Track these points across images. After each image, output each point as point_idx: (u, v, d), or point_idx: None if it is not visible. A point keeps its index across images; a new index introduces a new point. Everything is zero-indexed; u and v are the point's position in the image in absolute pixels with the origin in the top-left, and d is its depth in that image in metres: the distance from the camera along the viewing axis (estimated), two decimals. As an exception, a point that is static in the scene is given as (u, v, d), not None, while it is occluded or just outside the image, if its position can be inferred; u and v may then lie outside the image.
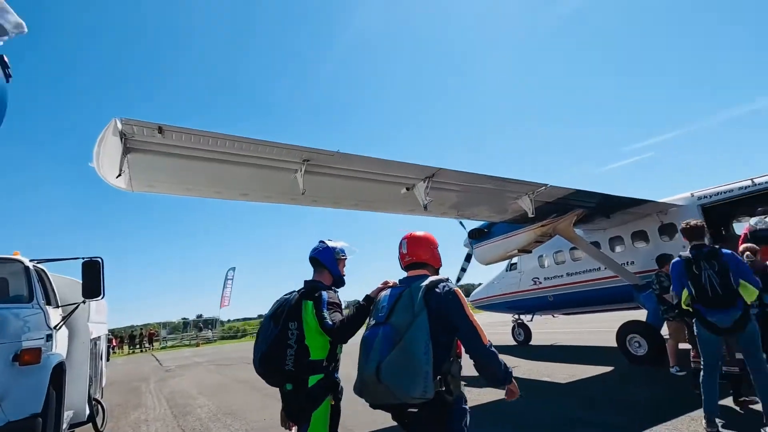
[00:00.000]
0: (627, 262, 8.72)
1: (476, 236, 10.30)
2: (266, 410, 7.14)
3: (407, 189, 5.82)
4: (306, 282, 2.87)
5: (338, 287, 2.92)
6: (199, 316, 52.94)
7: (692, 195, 8.22)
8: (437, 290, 2.13)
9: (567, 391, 6.39)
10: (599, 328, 13.32)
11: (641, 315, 8.13)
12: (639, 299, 8.21)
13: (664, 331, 7.30)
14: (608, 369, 7.61)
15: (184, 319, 61.71)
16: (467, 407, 2.15)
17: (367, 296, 2.56)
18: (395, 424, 2.19)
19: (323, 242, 2.97)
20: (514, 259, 11.05)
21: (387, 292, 2.32)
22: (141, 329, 46.10)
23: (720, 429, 4.08)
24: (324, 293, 2.67)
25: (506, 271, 11.75)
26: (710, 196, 7.93)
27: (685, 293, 4.18)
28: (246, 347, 27.11)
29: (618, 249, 9.21)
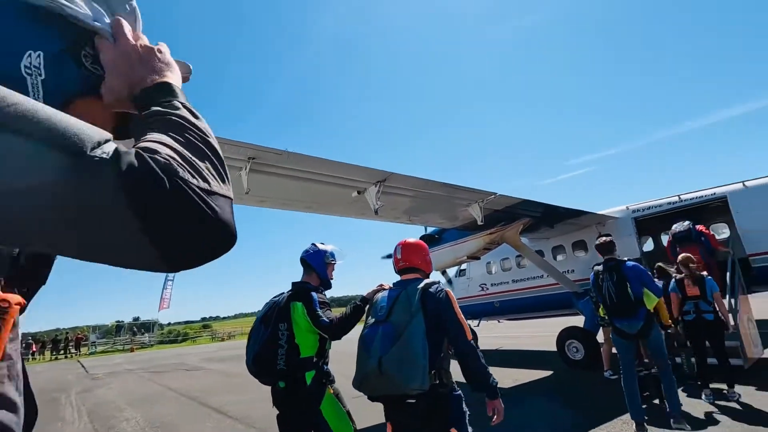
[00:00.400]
0: (567, 270, 9.12)
1: (427, 242, 10.36)
2: (199, 423, 6.70)
3: (358, 192, 5.70)
4: (294, 284, 3.00)
5: (325, 289, 3.04)
6: (136, 319, 49.63)
7: (627, 208, 8.77)
8: (431, 291, 2.35)
9: (512, 396, 6.52)
10: (538, 333, 13.88)
11: (578, 321, 8.53)
12: (577, 306, 8.61)
13: (600, 337, 7.69)
14: (548, 373, 7.89)
15: (119, 322, 57.52)
16: (460, 392, 2.34)
17: (363, 297, 2.77)
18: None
19: (314, 245, 3.09)
20: (464, 266, 11.23)
21: (385, 293, 2.52)
22: (67, 333, 42.39)
23: (647, 428, 4.30)
24: (313, 294, 2.83)
25: (456, 277, 11.94)
26: (643, 210, 8.49)
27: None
28: (185, 352, 25.65)
29: (560, 257, 9.62)
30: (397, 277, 2.66)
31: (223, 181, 0.54)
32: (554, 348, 8.41)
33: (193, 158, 0.52)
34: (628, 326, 4.31)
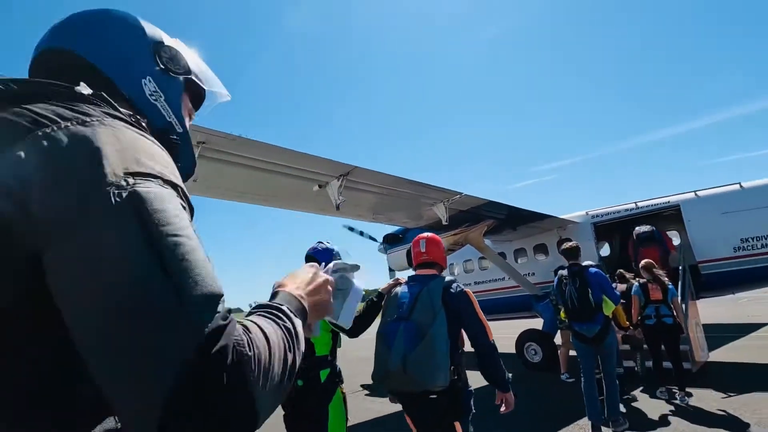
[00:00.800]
0: (528, 273, 9.19)
1: (391, 241, 10.19)
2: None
3: (320, 186, 5.40)
4: None
5: None
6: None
7: (587, 213, 8.94)
8: (452, 291, 2.43)
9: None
10: (497, 335, 14.01)
11: (537, 323, 8.59)
12: (537, 308, 8.67)
13: (558, 339, 7.75)
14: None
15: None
16: (472, 389, 2.50)
17: (379, 293, 2.83)
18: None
19: (322, 243, 3.12)
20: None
21: (404, 289, 2.55)
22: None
23: (604, 430, 4.34)
24: None
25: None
26: (602, 216, 8.69)
27: None
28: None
29: (521, 260, 9.68)
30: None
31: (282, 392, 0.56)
32: (513, 350, 8.43)
33: (274, 366, 0.53)
34: (587, 330, 4.43)
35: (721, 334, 9.90)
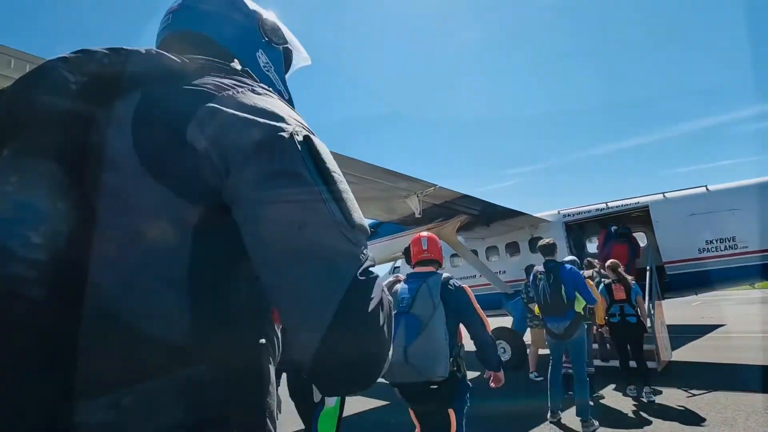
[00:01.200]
0: (500, 271, 9.13)
1: (362, 235, 9.93)
2: None
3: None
4: None
5: None
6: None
7: (558, 212, 8.98)
8: (450, 287, 2.54)
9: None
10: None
11: (507, 321, 8.53)
12: (507, 307, 8.62)
13: (527, 338, 7.70)
14: (475, 374, 7.73)
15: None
16: (470, 384, 2.61)
17: None
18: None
19: None
20: (398, 262, 10.96)
21: (404, 285, 2.64)
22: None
23: (562, 416, 4.53)
24: None
25: (389, 273, 11.62)
26: (573, 215, 8.75)
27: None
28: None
29: (493, 258, 9.63)
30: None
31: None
32: (482, 348, 8.33)
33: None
34: (557, 326, 4.50)
35: (679, 334, 10.20)
